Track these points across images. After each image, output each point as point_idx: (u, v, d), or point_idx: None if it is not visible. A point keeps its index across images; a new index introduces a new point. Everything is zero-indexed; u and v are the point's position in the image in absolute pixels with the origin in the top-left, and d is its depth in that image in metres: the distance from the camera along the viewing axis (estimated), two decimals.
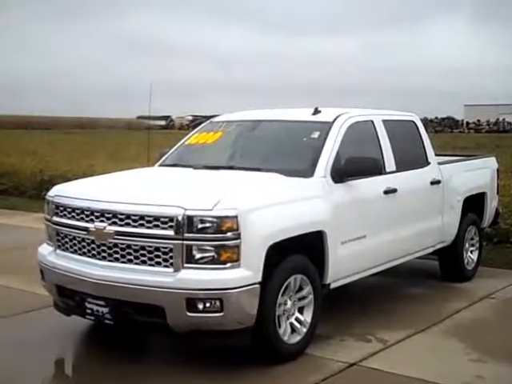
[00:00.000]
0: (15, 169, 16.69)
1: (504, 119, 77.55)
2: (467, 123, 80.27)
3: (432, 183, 7.05)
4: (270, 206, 4.98)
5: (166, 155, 6.78)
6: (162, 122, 78.03)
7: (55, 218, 5.41)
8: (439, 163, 7.37)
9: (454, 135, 54.85)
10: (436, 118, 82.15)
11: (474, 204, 7.83)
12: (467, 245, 7.80)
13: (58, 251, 5.40)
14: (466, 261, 7.75)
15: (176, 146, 6.88)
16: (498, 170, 8.55)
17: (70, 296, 5.27)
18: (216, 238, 4.64)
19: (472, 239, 7.93)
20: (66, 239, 5.31)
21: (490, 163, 8.53)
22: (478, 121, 78.90)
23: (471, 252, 7.91)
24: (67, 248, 5.31)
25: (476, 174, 8.04)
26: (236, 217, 4.65)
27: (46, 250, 5.53)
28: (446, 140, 31.76)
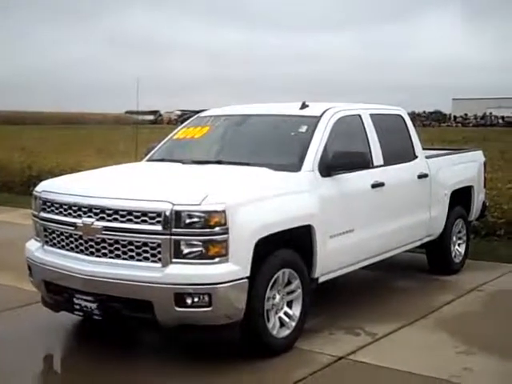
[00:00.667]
0: (3, 164, 16.59)
1: (491, 113, 77.91)
2: (455, 117, 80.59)
3: (419, 177, 7.07)
4: (258, 201, 4.99)
5: (154, 150, 6.76)
6: (151, 117, 77.74)
7: (42, 214, 5.39)
8: (426, 157, 7.40)
9: (442, 129, 55.13)
10: (424, 111, 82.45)
11: (461, 197, 7.87)
12: (454, 238, 7.84)
13: (45, 247, 5.38)
14: (453, 254, 7.79)
15: (164, 141, 6.86)
16: (485, 164, 8.59)
17: (58, 292, 5.25)
18: (204, 232, 4.63)
19: (459, 232, 7.97)
20: (54, 235, 5.29)
21: (477, 157, 8.56)
22: (466, 115, 79.24)
23: (458, 245, 7.96)
24: (55, 244, 5.29)
25: (463, 167, 8.07)
26: (224, 211, 4.65)
27: (33, 246, 5.51)
28: (434, 134, 31.89)
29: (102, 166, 6.68)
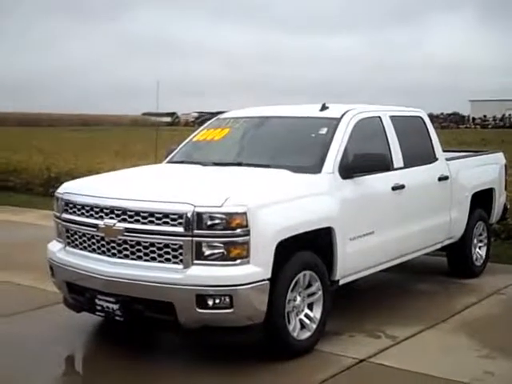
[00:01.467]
0: (22, 166, 16.73)
1: (510, 115, 77.26)
2: (473, 119, 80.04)
3: (440, 179, 7.03)
4: (279, 203, 4.99)
5: (174, 152, 6.78)
6: (168, 119, 78.07)
7: (65, 215, 5.43)
8: (447, 159, 7.36)
9: (460, 131, 54.72)
10: (442, 113, 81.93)
11: (482, 200, 7.81)
12: (475, 241, 7.78)
13: (67, 248, 5.42)
14: (474, 257, 7.73)
15: (184, 143, 6.88)
16: (505, 166, 8.52)
17: (80, 293, 5.29)
18: (225, 234, 4.65)
19: (480, 235, 7.90)
20: (76, 236, 5.33)
21: (498, 159, 8.49)
22: (484, 116, 78.65)
23: (479, 248, 7.89)
24: (77, 245, 5.33)
25: (484, 169, 8.02)
26: (245, 213, 4.66)
27: (55, 247, 5.55)
28: (452, 136, 31.71)
29: (120, 167, 6.72)
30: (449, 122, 75.33)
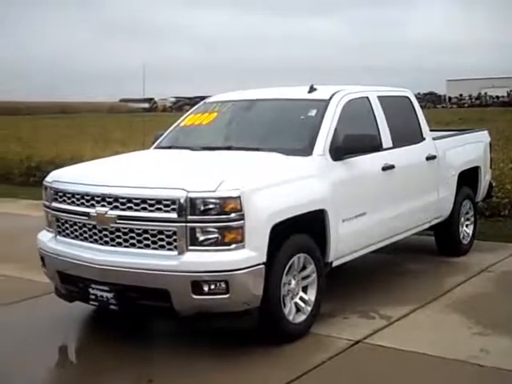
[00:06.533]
0: (1, 156, 16.49)
1: (486, 93, 77.90)
2: (450, 98, 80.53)
3: (428, 158, 7.04)
4: (273, 186, 4.95)
5: (162, 137, 6.70)
6: (146, 105, 77.41)
7: (54, 204, 5.33)
8: (433, 138, 7.36)
9: (438, 110, 54.97)
10: (418, 93, 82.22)
11: (468, 178, 7.85)
12: (462, 219, 7.82)
13: (58, 237, 5.33)
14: (461, 235, 7.78)
15: (171, 128, 6.79)
16: (490, 144, 8.56)
17: (72, 282, 5.21)
18: (220, 219, 4.60)
19: (467, 213, 7.95)
20: (67, 225, 5.24)
21: (483, 137, 8.52)
22: (461, 95, 79.21)
23: (466, 226, 7.94)
24: (68, 234, 5.24)
25: (469, 148, 8.04)
26: (239, 197, 4.62)
27: (45, 237, 5.46)
28: (430, 115, 31.80)
29: (102, 155, 6.61)
30: (426, 102, 75.62)
